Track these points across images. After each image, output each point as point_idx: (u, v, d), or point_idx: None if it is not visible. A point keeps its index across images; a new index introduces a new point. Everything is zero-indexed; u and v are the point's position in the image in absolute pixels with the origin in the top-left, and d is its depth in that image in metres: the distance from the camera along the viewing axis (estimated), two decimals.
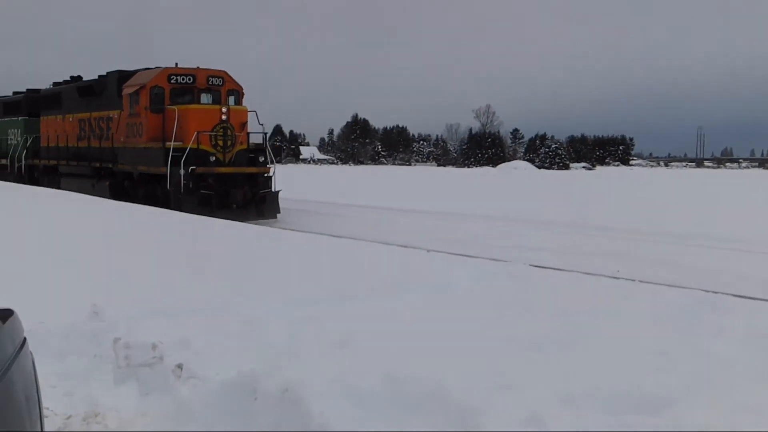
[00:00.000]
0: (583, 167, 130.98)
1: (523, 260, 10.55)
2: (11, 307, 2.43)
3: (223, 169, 20.87)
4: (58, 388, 4.93)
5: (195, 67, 22.75)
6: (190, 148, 20.24)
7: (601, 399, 3.96)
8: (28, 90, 32.42)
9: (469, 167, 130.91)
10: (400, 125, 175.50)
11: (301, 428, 4.04)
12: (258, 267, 9.82)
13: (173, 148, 20.35)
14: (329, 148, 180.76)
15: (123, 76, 24.21)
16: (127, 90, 23.06)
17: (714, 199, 34.23)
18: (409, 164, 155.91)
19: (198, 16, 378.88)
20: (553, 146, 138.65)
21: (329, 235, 14.79)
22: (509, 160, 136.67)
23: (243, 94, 23.68)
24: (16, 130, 31.80)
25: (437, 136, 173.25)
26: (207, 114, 21.34)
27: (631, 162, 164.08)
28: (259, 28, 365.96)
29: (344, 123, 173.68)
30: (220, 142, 21.03)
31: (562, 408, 3.87)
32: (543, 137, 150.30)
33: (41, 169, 30.14)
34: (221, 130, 21.02)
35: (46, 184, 27.36)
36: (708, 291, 8.30)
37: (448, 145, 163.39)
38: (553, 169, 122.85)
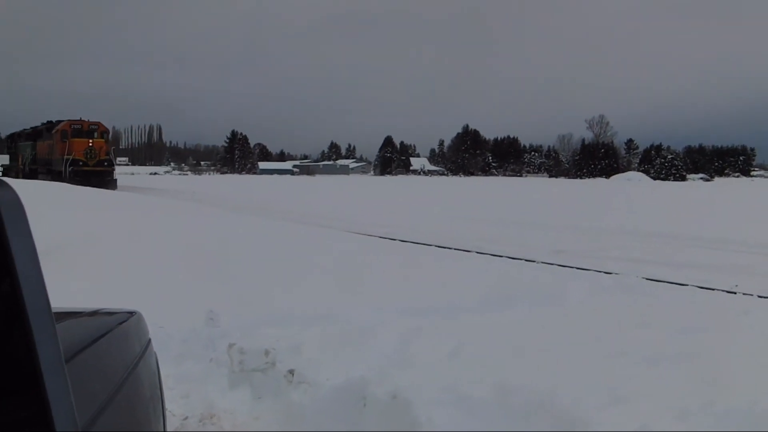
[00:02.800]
0: (701, 178, 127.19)
1: (638, 273, 10.37)
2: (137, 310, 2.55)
3: (86, 168, 41.65)
4: (176, 390, 5.11)
5: (86, 120, 44.38)
6: (72, 158, 41.44)
7: (716, 415, 3.85)
8: (34, 127, 51.77)
9: (581, 178, 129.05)
10: (511, 136, 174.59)
11: None
12: (368, 277, 9.92)
13: (65, 158, 41.39)
14: (439, 160, 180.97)
15: (58, 122, 44.95)
16: (54, 130, 44.23)
17: None
18: (520, 175, 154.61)
19: (317, 34, 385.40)
20: (669, 157, 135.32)
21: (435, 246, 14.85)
22: (623, 171, 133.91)
23: (109, 131, 47.31)
24: (28, 149, 50.75)
25: (549, 146, 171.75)
26: (82, 143, 42.43)
27: (752, 173, 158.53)
28: (369, 38, 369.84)
29: (455, 134, 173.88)
30: (86, 156, 42.17)
31: (675, 423, 3.78)
32: (658, 147, 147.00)
33: (34, 170, 47.80)
34: (88, 150, 42.41)
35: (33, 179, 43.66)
36: None
37: (560, 155, 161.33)
38: (669, 180, 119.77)
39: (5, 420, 1.15)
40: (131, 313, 2.42)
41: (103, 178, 41.15)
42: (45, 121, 49.58)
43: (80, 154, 42.07)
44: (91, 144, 42.84)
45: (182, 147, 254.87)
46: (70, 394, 1.19)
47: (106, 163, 43.56)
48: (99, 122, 45.24)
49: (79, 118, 44.61)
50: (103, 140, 44.38)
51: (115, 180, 43.36)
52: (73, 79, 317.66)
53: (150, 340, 2.54)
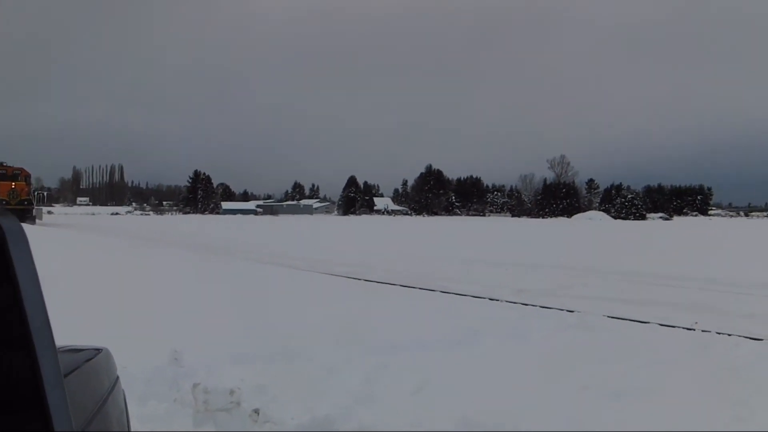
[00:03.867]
0: (661, 217, 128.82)
1: (600, 311, 10.48)
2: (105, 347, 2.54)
3: (9, 207, 44.45)
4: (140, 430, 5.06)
5: (11, 166, 53.00)
6: None
7: None
8: None
9: (543, 218, 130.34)
10: (474, 176, 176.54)
11: None
12: (333, 313, 9.93)
13: None
14: (403, 199, 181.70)
15: None
16: None
17: None
18: (483, 215, 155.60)
19: (281, 74, 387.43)
20: (629, 196, 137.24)
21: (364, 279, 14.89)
22: (584, 211, 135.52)
23: (30, 176, 54.70)
24: None
25: (511, 186, 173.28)
26: (5, 185, 50.55)
27: (709, 212, 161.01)
28: (332, 78, 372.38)
29: (418, 174, 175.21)
30: (9, 197, 49.40)
31: None
32: (619, 187, 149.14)
33: None
34: (11, 192, 50.04)
35: None
36: None
37: (523, 195, 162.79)
38: (630, 219, 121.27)
39: None
40: (98, 350, 2.42)
41: (23, 215, 48.17)
42: None
43: (4, 194, 50.92)
44: (13, 186, 52.25)
45: (144, 187, 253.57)
46: (69, 408, 1.25)
47: (26, 203, 52.31)
48: (22, 168, 55.02)
49: (1, 164, 54.70)
50: (24, 183, 53.96)
51: (34, 216, 53.03)
52: (32, 118, 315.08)
53: (118, 377, 2.53)
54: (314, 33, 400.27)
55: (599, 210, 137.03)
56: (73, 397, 1.95)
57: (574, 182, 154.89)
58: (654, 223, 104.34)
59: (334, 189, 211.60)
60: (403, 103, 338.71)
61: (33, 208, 54.02)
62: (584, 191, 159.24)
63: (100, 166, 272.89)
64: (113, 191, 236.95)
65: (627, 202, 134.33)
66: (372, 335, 8.13)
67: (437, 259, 24.41)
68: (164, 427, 5.19)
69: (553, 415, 4.44)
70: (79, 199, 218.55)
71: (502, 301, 12.22)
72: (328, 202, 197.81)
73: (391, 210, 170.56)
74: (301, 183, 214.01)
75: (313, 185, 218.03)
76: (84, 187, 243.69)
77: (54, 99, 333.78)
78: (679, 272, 19.32)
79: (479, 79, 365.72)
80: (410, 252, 28.53)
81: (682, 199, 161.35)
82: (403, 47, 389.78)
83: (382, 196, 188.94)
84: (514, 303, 12.07)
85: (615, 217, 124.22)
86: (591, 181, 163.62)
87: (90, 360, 2.25)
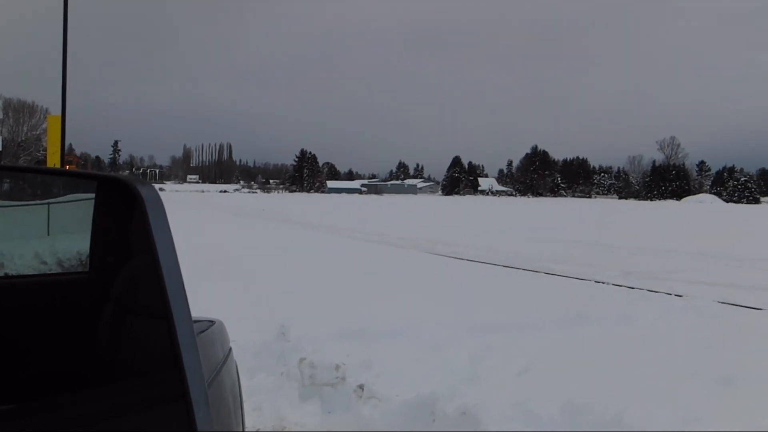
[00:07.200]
0: None
1: (711, 297, 10.20)
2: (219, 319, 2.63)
3: None
4: (248, 402, 5.18)
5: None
6: None
7: None
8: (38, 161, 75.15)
9: (651, 200, 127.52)
10: (581, 157, 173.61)
11: None
12: (436, 293, 9.97)
13: None
14: (508, 180, 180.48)
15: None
16: None
17: None
18: (589, 197, 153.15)
19: (387, 55, 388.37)
20: (742, 179, 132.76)
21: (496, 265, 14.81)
22: (694, 194, 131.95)
23: (77, 164, 78.38)
24: None
25: (619, 168, 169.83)
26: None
27: None
28: (438, 59, 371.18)
29: (523, 154, 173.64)
30: None
31: None
32: (731, 170, 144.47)
33: None
34: None
35: None
36: None
37: (630, 177, 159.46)
38: (742, 203, 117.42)
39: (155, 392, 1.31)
40: (212, 322, 2.50)
41: None
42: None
43: None
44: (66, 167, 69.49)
45: (251, 165, 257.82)
46: (202, 368, 1.34)
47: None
48: (73, 156, 74.24)
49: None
50: (74, 165, 68.90)
51: None
52: (145, 97, 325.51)
53: (231, 348, 2.61)
54: (420, 10, 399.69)
55: (710, 193, 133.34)
56: None
57: (684, 164, 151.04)
58: None
59: (439, 169, 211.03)
60: (509, 84, 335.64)
61: None
62: (695, 173, 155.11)
63: (209, 145, 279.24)
64: (222, 169, 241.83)
65: (740, 185, 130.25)
66: (474, 315, 8.13)
67: (539, 240, 24.13)
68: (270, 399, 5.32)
69: (658, 400, 4.36)
70: (189, 176, 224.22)
71: (608, 283, 12.04)
72: (432, 182, 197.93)
73: (496, 190, 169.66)
74: (406, 163, 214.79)
75: (418, 165, 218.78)
76: (194, 164, 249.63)
77: (166, 79, 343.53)
78: None
79: (587, 57, 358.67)
80: (516, 233, 28.29)
81: None
82: (510, 27, 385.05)
83: (486, 176, 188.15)
84: (620, 286, 11.87)
85: (727, 201, 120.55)
86: (702, 163, 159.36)
87: (204, 331, 2.33)
